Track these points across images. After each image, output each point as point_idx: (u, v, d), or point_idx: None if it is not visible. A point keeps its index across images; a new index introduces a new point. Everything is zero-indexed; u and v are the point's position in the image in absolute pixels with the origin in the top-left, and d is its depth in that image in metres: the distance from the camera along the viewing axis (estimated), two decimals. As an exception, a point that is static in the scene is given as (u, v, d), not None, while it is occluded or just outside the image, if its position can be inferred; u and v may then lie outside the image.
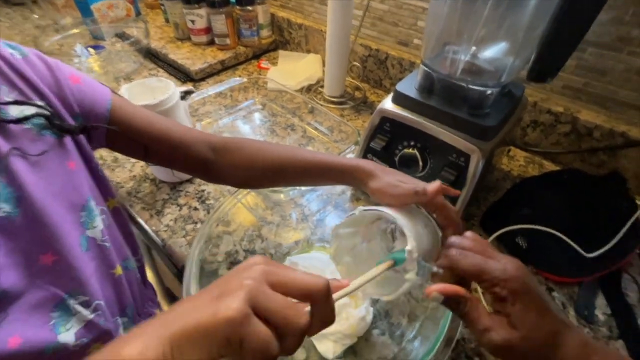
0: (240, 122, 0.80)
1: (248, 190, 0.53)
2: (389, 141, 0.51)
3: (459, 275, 0.27)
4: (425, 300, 0.42)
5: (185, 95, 0.81)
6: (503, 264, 0.25)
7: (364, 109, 0.84)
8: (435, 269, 0.28)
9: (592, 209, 0.54)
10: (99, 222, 0.35)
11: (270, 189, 0.55)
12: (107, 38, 1.03)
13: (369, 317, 0.41)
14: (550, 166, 0.69)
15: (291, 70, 0.94)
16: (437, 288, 0.26)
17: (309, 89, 0.89)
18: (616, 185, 0.57)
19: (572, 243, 0.48)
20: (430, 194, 0.34)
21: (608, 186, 0.58)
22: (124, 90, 0.54)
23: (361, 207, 0.36)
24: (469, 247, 0.28)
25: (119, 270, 0.38)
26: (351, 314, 0.40)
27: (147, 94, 0.56)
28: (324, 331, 0.39)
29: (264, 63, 1.00)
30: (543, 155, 0.70)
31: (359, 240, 0.40)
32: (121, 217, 0.40)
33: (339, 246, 0.38)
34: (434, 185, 0.34)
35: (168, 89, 0.55)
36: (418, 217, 0.35)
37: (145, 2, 1.25)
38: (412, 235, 0.32)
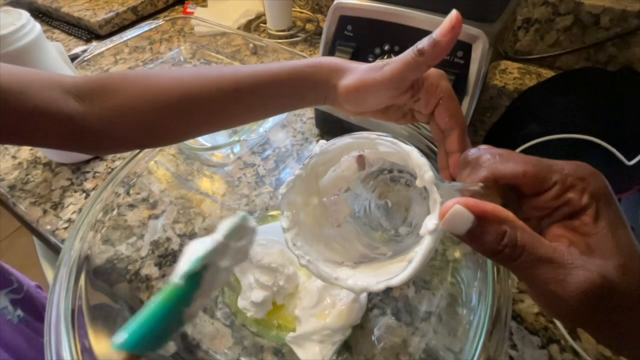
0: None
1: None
2: (356, 50, 0.37)
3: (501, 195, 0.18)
4: (442, 254, 0.30)
5: (81, 53, 0.62)
6: (568, 162, 0.17)
7: (320, 42, 0.68)
8: (469, 186, 0.17)
9: (617, 109, 0.44)
10: None
11: (203, 148, 0.40)
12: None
13: (364, 296, 0.28)
14: (549, 74, 0.57)
15: (224, 10, 0.75)
16: (462, 201, 0.15)
17: (248, 27, 0.71)
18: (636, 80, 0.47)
19: (609, 147, 0.37)
20: (445, 40, 0.21)
21: (627, 83, 0.47)
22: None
23: (323, 142, 0.23)
24: (500, 152, 0.18)
25: None
26: (338, 298, 0.26)
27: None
28: (304, 330, 0.25)
29: (190, 7, 0.80)
30: (539, 62, 0.58)
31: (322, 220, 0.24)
32: None
33: (297, 225, 0.23)
34: (446, 24, 0.21)
35: (18, 20, 0.36)
36: None
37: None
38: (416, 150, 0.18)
